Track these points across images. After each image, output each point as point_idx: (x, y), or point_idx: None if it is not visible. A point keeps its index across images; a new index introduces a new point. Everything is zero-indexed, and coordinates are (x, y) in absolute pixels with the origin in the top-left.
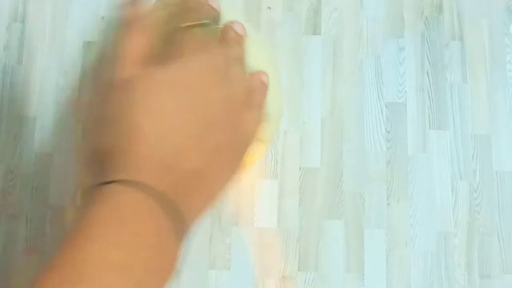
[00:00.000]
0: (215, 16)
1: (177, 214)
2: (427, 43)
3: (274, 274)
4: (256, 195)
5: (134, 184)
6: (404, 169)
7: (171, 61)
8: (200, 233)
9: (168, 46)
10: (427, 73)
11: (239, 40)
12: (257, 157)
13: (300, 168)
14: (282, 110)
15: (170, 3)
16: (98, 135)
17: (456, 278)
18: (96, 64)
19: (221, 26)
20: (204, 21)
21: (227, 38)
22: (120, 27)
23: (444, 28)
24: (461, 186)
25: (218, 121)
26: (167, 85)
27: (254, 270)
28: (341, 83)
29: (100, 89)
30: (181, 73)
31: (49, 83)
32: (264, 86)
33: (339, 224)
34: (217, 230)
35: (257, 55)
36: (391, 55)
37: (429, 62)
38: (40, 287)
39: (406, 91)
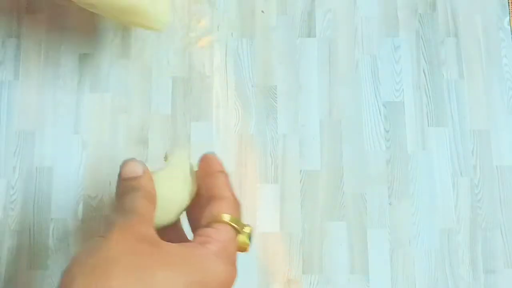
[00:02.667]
0: None
1: None
2: (422, 40)
3: (279, 278)
4: (258, 200)
5: None
6: (405, 168)
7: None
8: None
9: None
10: (424, 71)
11: None
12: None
13: (300, 171)
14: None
15: None
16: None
17: (461, 275)
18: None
19: None
20: None
21: None
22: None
23: (438, 25)
24: (462, 182)
25: None
26: None
27: (259, 275)
28: (338, 84)
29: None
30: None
31: (46, 97)
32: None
33: (341, 226)
34: None
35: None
36: (387, 54)
37: (425, 59)
38: None
39: (403, 89)
